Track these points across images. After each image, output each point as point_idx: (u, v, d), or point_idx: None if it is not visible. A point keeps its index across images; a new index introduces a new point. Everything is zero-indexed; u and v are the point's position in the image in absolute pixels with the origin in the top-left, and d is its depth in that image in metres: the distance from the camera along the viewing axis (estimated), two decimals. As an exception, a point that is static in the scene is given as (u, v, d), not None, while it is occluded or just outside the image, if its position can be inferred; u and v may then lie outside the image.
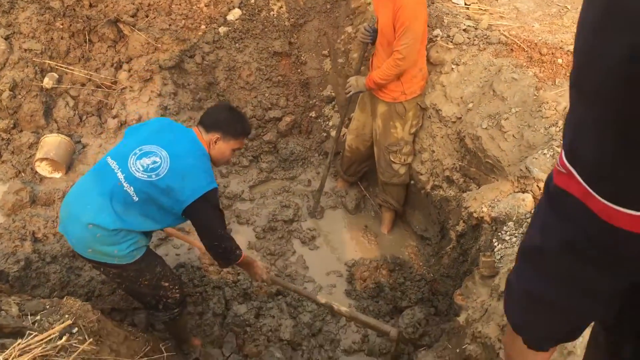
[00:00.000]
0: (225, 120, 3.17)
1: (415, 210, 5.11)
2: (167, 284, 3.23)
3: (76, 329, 2.46)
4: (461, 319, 3.51)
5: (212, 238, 3.12)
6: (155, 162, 2.91)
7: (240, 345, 3.84)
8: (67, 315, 2.49)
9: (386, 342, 4.10)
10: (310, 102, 5.92)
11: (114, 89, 5.51)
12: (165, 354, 3.03)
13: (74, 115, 5.39)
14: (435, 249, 4.72)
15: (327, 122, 5.86)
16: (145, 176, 2.88)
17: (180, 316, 3.45)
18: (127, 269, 3.05)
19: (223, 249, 3.18)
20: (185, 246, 4.46)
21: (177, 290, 3.31)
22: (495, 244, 3.47)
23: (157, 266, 3.19)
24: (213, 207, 3.03)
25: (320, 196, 5.14)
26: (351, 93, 4.59)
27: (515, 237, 3.37)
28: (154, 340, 3.35)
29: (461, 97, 4.29)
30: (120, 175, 2.89)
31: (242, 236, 4.77)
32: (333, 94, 5.85)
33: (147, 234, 3.14)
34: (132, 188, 2.88)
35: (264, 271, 3.55)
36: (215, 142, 3.13)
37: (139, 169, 2.89)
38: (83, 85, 5.47)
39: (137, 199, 2.88)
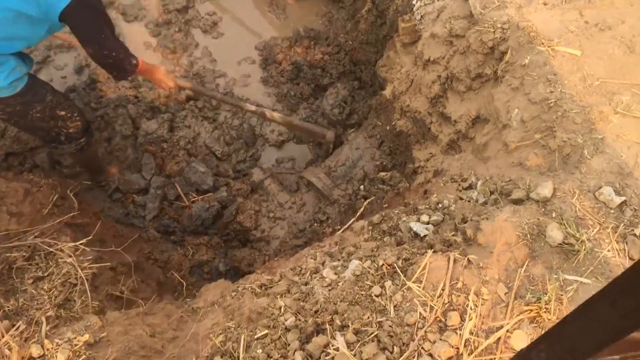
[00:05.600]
0: None
1: (322, -30, 4.52)
2: (63, 113, 2.86)
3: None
4: (387, 92, 3.27)
5: (97, 44, 2.66)
6: None
7: (160, 164, 3.55)
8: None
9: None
10: None
11: None
12: (75, 203, 2.73)
13: None
14: (349, 12, 4.28)
15: None
16: None
17: (88, 145, 3.12)
18: (11, 103, 2.64)
19: (114, 58, 2.73)
20: (70, 66, 3.87)
21: (78, 118, 2.95)
22: (414, 2, 3.09)
23: (46, 94, 2.78)
24: (90, 7, 2.55)
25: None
26: None
27: (435, -9, 2.97)
28: (62, 185, 3.02)
29: None
30: None
31: (133, 37, 4.17)
32: None
33: (25, 60, 2.68)
34: None
35: (169, 77, 3.14)
36: None
37: None
38: None
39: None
